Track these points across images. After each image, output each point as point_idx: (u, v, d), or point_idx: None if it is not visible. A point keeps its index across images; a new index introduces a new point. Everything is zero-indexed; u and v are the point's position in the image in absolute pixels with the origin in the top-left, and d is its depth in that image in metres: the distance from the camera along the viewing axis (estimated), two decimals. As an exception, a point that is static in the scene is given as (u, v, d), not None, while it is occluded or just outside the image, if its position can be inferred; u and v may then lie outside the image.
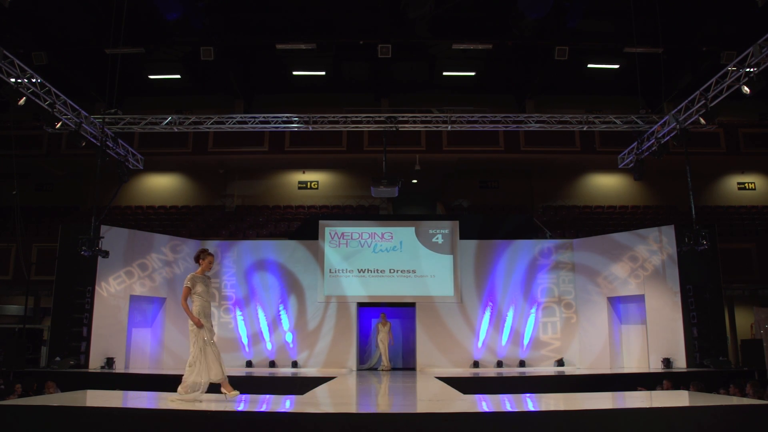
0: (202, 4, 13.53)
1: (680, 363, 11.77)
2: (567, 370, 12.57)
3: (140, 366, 12.49)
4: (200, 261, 5.94)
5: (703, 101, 10.60)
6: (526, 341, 13.29)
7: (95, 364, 11.64)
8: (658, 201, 17.94)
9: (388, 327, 13.36)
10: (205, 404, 5.78)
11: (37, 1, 13.66)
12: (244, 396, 7.13)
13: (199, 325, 5.59)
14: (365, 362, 13.70)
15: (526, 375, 11.09)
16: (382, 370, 13.02)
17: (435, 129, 13.20)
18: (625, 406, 5.40)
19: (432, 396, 6.69)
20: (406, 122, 12.88)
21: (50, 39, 15.03)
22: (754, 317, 12.20)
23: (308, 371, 12.60)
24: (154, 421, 4.71)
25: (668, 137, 11.73)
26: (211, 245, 13.79)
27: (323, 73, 17.46)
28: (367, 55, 16.05)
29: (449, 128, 13.01)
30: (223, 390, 5.58)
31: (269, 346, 13.28)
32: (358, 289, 13.56)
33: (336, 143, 16.38)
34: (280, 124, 13.05)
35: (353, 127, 13.21)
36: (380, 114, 13.18)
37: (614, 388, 9.33)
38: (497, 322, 13.36)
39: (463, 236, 13.78)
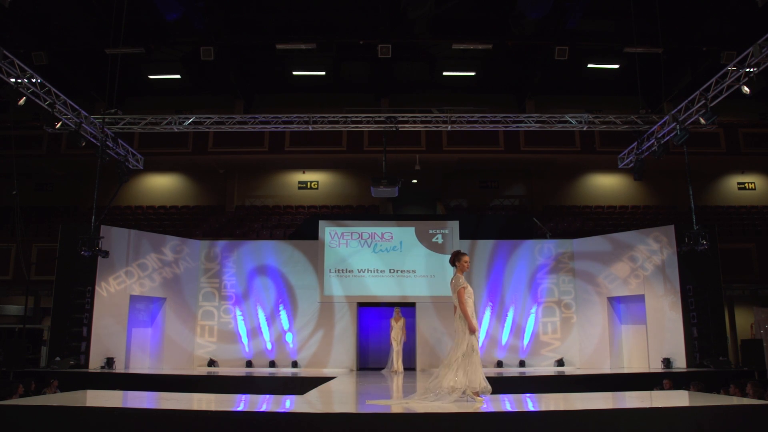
0: (202, 4, 13.53)
1: (680, 363, 11.77)
2: (567, 370, 12.58)
3: (140, 366, 12.49)
4: (457, 263, 5.76)
5: (703, 101, 10.59)
6: (526, 341, 13.30)
7: (95, 364, 11.64)
8: (658, 201, 17.94)
9: (402, 323, 12.31)
10: (205, 404, 5.79)
11: (37, 1, 13.66)
12: (243, 396, 7.13)
13: (473, 331, 5.45)
14: (386, 365, 12.46)
15: (526, 375, 11.09)
16: (393, 372, 11.87)
17: (435, 129, 13.20)
18: (625, 406, 5.39)
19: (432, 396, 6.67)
20: (406, 122, 12.88)
21: (50, 39, 15.03)
22: (754, 317, 12.21)
23: (308, 371, 12.59)
24: (154, 421, 4.71)
25: (668, 137, 11.72)
26: (211, 245, 13.81)
27: (323, 73, 17.46)
28: (367, 55, 16.05)
29: (449, 128, 13.01)
30: (469, 394, 5.39)
31: (269, 346, 13.28)
32: (358, 289, 13.56)
33: (336, 143, 16.38)
34: (280, 124, 13.05)
35: (353, 127, 13.21)
36: (380, 114, 13.19)
37: (614, 388, 9.33)
38: (497, 322, 13.37)
39: (463, 236, 13.79)
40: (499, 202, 18.34)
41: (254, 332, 13.35)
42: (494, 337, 13.31)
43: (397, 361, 12.01)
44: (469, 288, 5.69)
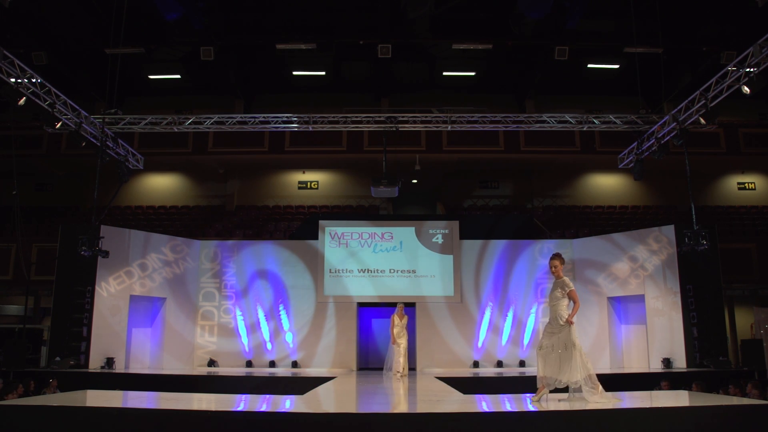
0: (202, 4, 13.53)
1: (680, 363, 11.77)
2: (567, 370, 12.54)
3: (140, 366, 12.49)
4: None
5: (703, 101, 10.59)
6: (526, 341, 13.29)
7: (95, 364, 11.64)
8: (658, 201, 17.94)
9: (406, 321, 10.93)
10: (205, 404, 5.79)
11: (37, 1, 13.66)
12: (243, 396, 7.14)
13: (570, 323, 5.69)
14: (390, 367, 10.88)
15: (526, 375, 11.07)
16: (400, 375, 10.37)
17: (435, 129, 13.19)
18: (625, 406, 5.40)
19: (432, 396, 6.68)
20: (406, 122, 12.88)
21: (50, 39, 15.04)
22: (754, 317, 12.20)
23: (308, 371, 12.60)
24: (154, 421, 4.71)
25: (668, 137, 11.73)
26: (211, 245, 13.82)
27: (323, 73, 17.46)
28: (367, 55, 16.05)
29: (449, 128, 13.00)
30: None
31: (269, 346, 13.28)
32: (358, 289, 13.56)
33: (336, 143, 16.38)
34: (280, 124, 13.04)
35: (353, 127, 13.21)
36: (380, 114, 13.18)
37: (614, 388, 9.32)
38: (497, 322, 13.37)
39: (463, 236, 13.78)
40: (499, 202, 18.34)
41: (254, 332, 13.35)
42: (494, 336, 13.31)
43: (402, 362, 10.55)
44: (552, 292, 5.85)
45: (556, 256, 5.91)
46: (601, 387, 5.55)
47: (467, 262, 13.65)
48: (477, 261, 13.66)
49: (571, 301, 5.78)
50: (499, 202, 18.34)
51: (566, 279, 5.86)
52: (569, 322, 5.68)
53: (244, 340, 13.32)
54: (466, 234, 13.83)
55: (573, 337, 5.65)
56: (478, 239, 13.82)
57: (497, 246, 13.74)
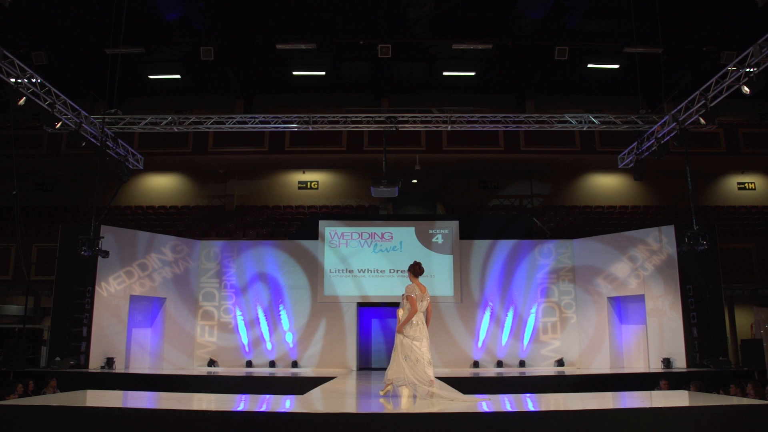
0: (202, 4, 13.53)
1: (680, 363, 11.77)
2: (567, 370, 12.57)
3: (140, 366, 12.49)
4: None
5: (703, 101, 10.59)
6: (526, 341, 13.30)
7: (95, 364, 11.64)
8: (658, 201, 17.94)
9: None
10: (205, 404, 5.79)
11: (37, 1, 13.66)
12: (243, 396, 7.14)
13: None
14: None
15: (526, 375, 11.09)
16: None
17: (435, 129, 13.18)
18: (625, 406, 5.40)
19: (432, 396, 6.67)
20: (406, 122, 12.87)
21: (50, 39, 15.03)
22: (754, 317, 12.22)
23: (308, 371, 12.60)
24: (154, 421, 4.71)
25: (668, 137, 11.73)
26: (211, 245, 13.82)
27: (323, 73, 17.46)
28: (367, 55, 16.05)
29: (449, 128, 13.00)
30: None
31: (269, 346, 13.28)
32: (358, 289, 13.56)
33: (336, 143, 16.38)
34: (280, 124, 13.04)
35: (353, 127, 13.20)
36: (380, 114, 13.17)
37: (614, 388, 9.33)
38: (497, 322, 13.37)
39: (463, 236, 13.79)
40: (499, 202, 18.34)
41: (254, 332, 13.35)
42: (494, 337, 13.31)
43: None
44: None
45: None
46: (431, 393, 5.68)
47: (467, 262, 13.65)
48: (477, 261, 13.66)
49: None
50: (498, 202, 18.34)
51: (408, 285, 6.10)
52: (397, 331, 5.95)
53: (244, 339, 13.32)
54: (466, 234, 13.83)
55: (399, 343, 5.89)
56: (479, 239, 13.82)
57: (497, 246, 13.74)
